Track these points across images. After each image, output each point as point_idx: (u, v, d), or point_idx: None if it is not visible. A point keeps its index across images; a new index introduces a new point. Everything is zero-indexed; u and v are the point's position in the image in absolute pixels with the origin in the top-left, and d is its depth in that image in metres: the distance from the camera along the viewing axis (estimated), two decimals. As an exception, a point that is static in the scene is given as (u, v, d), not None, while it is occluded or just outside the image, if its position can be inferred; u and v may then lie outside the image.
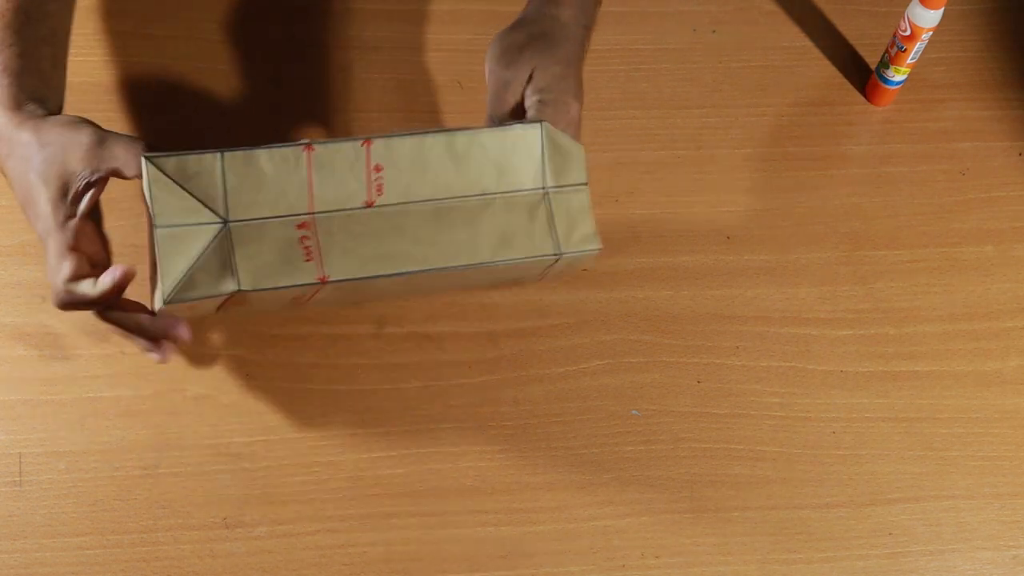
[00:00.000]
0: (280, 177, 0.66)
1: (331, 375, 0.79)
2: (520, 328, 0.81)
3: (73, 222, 0.65)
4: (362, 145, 0.67)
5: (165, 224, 0.64)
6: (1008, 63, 0.97)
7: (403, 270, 0.67)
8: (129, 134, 0.67)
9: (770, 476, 0.77)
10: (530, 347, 0.80)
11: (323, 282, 0.66)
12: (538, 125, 0.69)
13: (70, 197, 0.65)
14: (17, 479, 0.74)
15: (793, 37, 0.97)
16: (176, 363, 0.78)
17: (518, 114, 0.72)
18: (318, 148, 0.67)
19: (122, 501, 0.73)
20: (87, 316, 0.79)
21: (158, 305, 0.66)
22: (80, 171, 0.65)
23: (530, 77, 0.72)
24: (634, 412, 0.79)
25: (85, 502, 0.73)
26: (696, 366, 0.81)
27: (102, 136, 0.66)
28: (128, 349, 0.78)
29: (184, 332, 0.67)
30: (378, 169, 0.68)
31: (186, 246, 0.64)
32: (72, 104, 0.72)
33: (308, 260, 0.66)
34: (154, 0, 0.93)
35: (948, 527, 0.76)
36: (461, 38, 0.94)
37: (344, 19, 0.94)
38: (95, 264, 0.67)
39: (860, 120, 0.93)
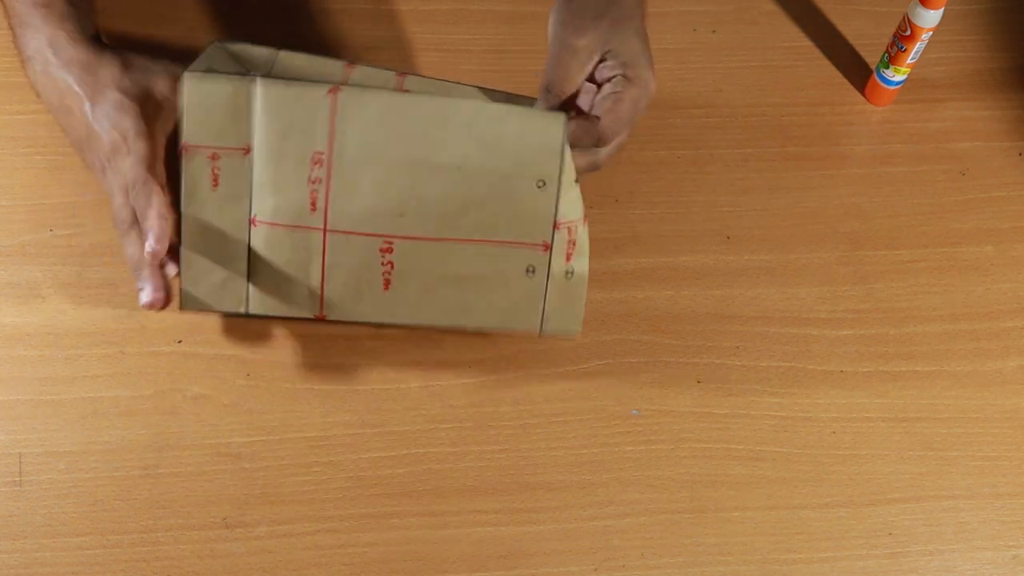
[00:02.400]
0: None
1: (331, 375, 0.79)
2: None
3: (155, 140, 0.71)
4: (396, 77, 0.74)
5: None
6: (1008, 63, 0.97)
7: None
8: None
9: (770, 476, 0.77)
10: (530, 347, 0.80)
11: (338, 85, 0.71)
12: (561, 116, 0.70)
13: (162, 117, 0.72)
14: (17, 479, 0.74)
15: (793, 37, 0.97)
16: (176, 363, 0.78)
17: (579, 84, 0.70)
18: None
19: (122, 501, 0.73)
20: (87, 316, 0.79)
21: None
22: (128, 178, 0.71)
23: (606, 49, 0.68)
24: (634, 412, 0.79)
25: (85, 502, 0.73)
26: (696, 366, 0.81)
27: (136, 134, 0.71)
28: (128, 349, 0.78)
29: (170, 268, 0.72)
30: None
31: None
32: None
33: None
34: (153, 0, 0.93)
35: (948, 527, 0.76)
36: (461, 38, 0.94)
37: (344, 19, 0.94)
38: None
39: (860, 120, 0.93)
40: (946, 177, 0.90)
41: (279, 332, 0.79)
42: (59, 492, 0.73)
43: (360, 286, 0.73)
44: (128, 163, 0.70)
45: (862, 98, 0.94)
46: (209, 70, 0.71)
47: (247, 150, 0.71)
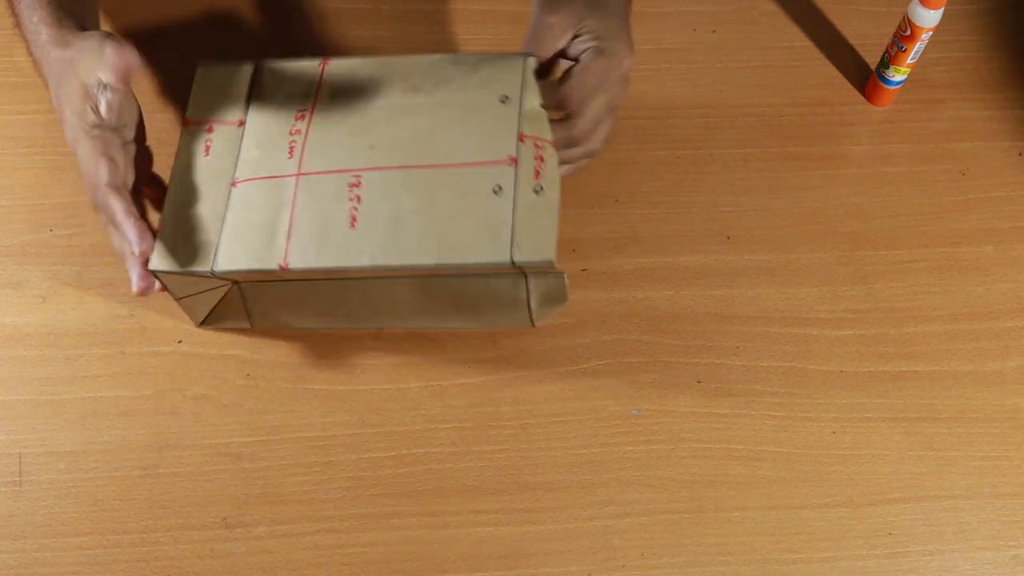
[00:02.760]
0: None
1: (331, 375, 0.79)
2: (520, 328, 0.81)
3: (96, 130, 0.69)
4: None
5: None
6: (1008, 63, 0.97)
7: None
8: (116, 37, 0.70)
9: (770, 476, 0.77)
10: (530, 347, 0.80)
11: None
12: (524, 54, 0.73)
13: (89, 106, 0.69)
14: (17, 479, 0.74)
15: (793, 37, 0.97)
16: (176, 363, 0.78)
17: (549, 55, 0.72)
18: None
19: (122, 501, 0.73)
20: (87, 316, 0.80)
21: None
22: (90, 80, 0.69)
23: (581, 25, 0.71)
24: (634, 412, 0.79)
25: (85, 502, 0.73)
26: (696, 366, 0.81)
27: (102, 43, 0.69)
28: (128, 349, 0.78)
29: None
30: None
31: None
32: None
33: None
34: (151, 0, 0.93)
35: (948, 527, 0.76)
36: (461, 38, 0.94)
37: (344, 19, 0.94)
38: (139, 178, 0.73)
39: (860, 120, 0.93)
40: (946, 177, 0.90)
41: (279, 332, 0.80)
42: (59, 492, 0.73)
43: (327, 228, 0.70)
44: (81, 160, 0.71)
45: (862, 98, 0.94)
46: (218, 64, 0.77)
47: (241, 123, 0.74)
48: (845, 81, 0.95)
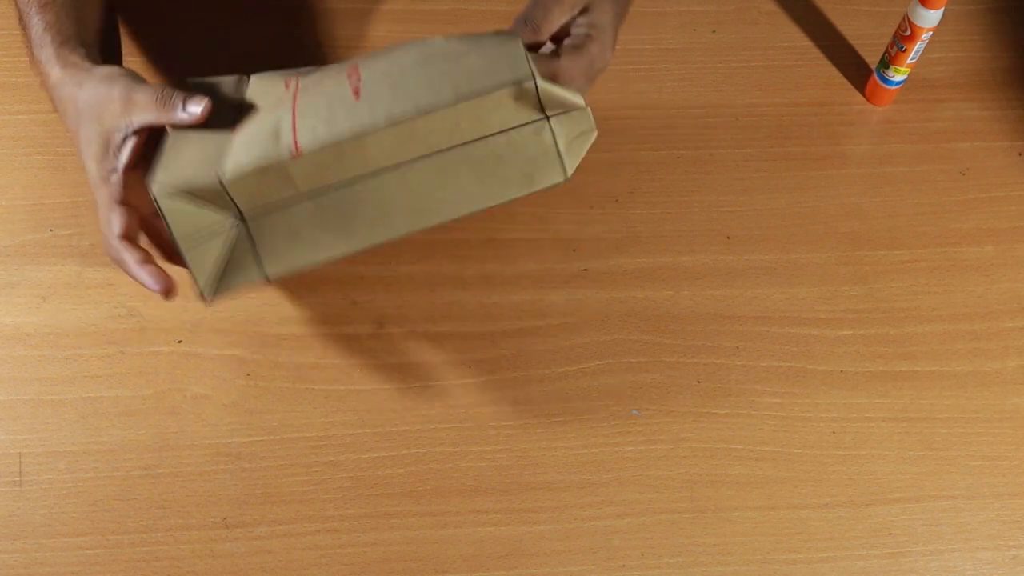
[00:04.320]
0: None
1: (331, 375, 0.79)
2: (520, 328, 0.81)
3: (115, 176, 0.68)
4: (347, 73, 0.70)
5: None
6: (1008, 63, 0.97)
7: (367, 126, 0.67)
8: (153, 85, 0.68)
9: (770, 476, 0.77)
10: (530, 347, 0.80)
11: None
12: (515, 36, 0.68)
13: (111, 152, 0.67)
14: (17, 479, 0.74)
15: (793, 37, 0.97)
16: (176, 363, 0.78)
17: (555, 29, 0.70)
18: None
19: (122, 501, 0.73)
20: (87, 316, 0.80)
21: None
22: (114, 126, 0.67)
23: (585, 8, 0.70)
24: (634, 412, 0.79)
25: (85, 502, 0.73)
26: (696, 366, 0.81)
27: (131, 89, 0.68)
28: (128, 349, 0.78)
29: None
30: (356, 71, 0.69)
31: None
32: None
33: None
34: (152, 0, 0.93)
35: (948, 527, 0.76)
36: (461, 38, 0.94)
37: (344, 19, 0.94)
38: (147, 215, 0.70)
39: (860, 120, 0.93)
40: (946, 177, 0.90)
41: (279, 332, 0.80)
42: (59, 492, 0.73)
43: (332, 106, 0.68)
44: (99, 205, 0.70)
45: (862, 98, 0.94)
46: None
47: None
48: (845, 81, 0.95)
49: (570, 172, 0.72)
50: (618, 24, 0.73)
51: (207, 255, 0.71)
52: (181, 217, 0.68)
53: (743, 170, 0.89)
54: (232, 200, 0.67)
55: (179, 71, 0.88)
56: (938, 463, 0.78)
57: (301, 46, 0.92)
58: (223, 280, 0.72)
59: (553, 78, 0.70)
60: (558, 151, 0.71)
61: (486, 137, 0.69)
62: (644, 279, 0.84)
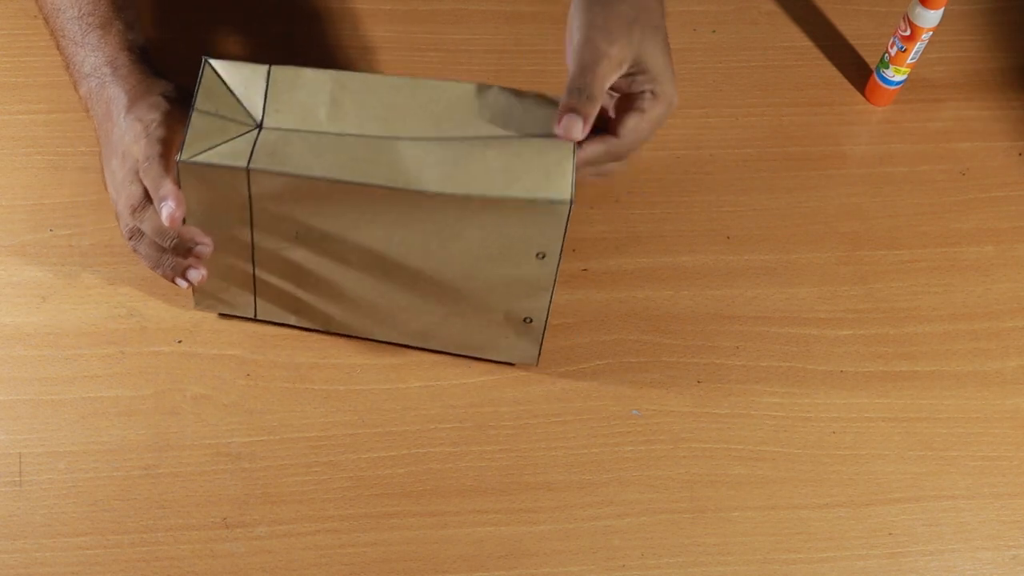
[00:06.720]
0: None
1: (331, 375, 0.79)
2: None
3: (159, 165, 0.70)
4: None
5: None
6: (1008, 63, 0.97)
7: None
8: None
9: (770, 476, 0.77)
10: (530, 347, 0.80)
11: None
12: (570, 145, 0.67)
13: (141, 173, 0.71)
14: (17, 479, 0.74)
15: (793, 37, 0.97)
16: (176, 363, 0.78)
17: (605, 92, 0.68)
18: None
19: (122, 501, 0.73)
20: (87, 316, 0.80)
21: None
22: (140, 156, 0.71)
23: (636, 58, 0.67)
24: (634, 412, 0.79)
25: (85, 502, 0.73)
26: (696, 366, 0.81)
27: (158, 123, 0.72)
28: (128, 349, 0.78)
29: (205, 245, 0.72)
30: None
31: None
32: (63, 103, 0.72)
33: None
34: (153, 0, 0.93)
35: (948, 527, 0.76)
36: (461, 38, 0.94)
37: (344, 19, 0.94)
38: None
39: (860, 120, 0.93)
40: (946, 177, 0.90)
41: (279, 332, 0.80)
42: (59, 492, 0.73)
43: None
44: (143, 143, 0.71)
45: (862, 98, 0.94)
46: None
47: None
48: (845, 81, 0.95)
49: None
50: (668, 51, 0.69)
51: (208, 133, 0.70)
52: (208, 98, 0.70)
53: (743, 170, 0.89)
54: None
55: (176, 72, 0.88)
56: (938, 463, 0.78)
57: (301, 46, 0.92)
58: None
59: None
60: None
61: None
62: (644, 279, 0.84)
